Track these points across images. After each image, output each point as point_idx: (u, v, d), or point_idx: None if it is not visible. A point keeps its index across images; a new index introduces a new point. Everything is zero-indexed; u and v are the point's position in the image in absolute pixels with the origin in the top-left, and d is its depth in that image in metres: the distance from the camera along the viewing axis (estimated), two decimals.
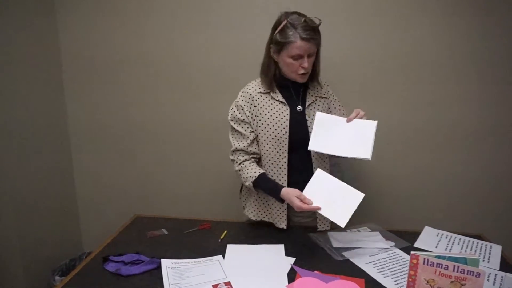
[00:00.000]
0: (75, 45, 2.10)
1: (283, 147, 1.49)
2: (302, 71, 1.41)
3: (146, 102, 2.12)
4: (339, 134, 1.41)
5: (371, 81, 1.93)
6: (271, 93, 1.51)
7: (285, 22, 1.37)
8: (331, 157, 1.57)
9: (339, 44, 1.90)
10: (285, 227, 1.55)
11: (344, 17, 1.88)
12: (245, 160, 1.52)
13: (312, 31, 1.36)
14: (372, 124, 1.40)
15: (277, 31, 1.40)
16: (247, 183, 1.49)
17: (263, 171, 1.49)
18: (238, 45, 1.96)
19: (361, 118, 1.42)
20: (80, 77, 2.13)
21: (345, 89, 1.92)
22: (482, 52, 1.84)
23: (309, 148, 1.41)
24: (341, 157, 1.42)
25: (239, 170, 1.53)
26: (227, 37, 1.97)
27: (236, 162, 1.54)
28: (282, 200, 1.43)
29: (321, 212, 1.32)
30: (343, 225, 1.30)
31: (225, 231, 1.57)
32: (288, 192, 1.39)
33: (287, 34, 1.36)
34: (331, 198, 1.35)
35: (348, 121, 1.42)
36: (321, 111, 1.49)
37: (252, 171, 1.48)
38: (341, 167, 1.98)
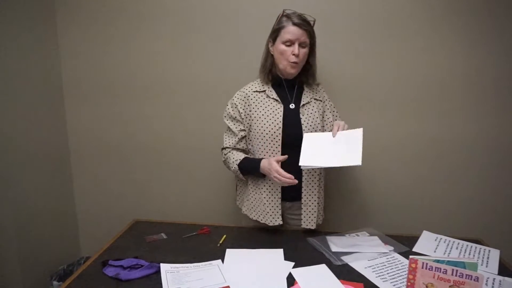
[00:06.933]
0: (74, 59, 2.12)
1: (276, 143, 1.52)
2: (293, 58, 1.47)
3: (144, 108, 2.12)
4: (328, 147, 1.43)
5: (371, 88, 1.94)
6: (266, 91, 1.56)
7: (281, 13, 1.51)
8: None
9: (338, 52, 1.92)
10: (281, 222, 1.56)
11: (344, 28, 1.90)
12: (232, 150, 1.60)
13: (304, 21, 1.47)
14: (358, 132, 1.42)
15: (275, 22, 1.52)
16: (232, 167, 1.55)
17: (247, 156, 1.56)
18: (237, 52, 1.98)
19: (343, 129, 1.46)
20: (78, 83, 2.14)
21: (344, 99, 1.94)
22: (485, 65, 1.86)
23: (300, 164, 1.42)
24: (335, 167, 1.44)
25: (226, 159, 1.60)
26: (225, 45, 1.99)
27: (223, 154, 1.62)
28: (264, 175, 1.51)
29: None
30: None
31: (224, 236, 1.58)
32: (265, 166, 1.45)
33: (281, 21, 1.50)
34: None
35: (334, 135, 1.45)
36: (315, 112, 1.56)
37: (237, 156, 1.56)
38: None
